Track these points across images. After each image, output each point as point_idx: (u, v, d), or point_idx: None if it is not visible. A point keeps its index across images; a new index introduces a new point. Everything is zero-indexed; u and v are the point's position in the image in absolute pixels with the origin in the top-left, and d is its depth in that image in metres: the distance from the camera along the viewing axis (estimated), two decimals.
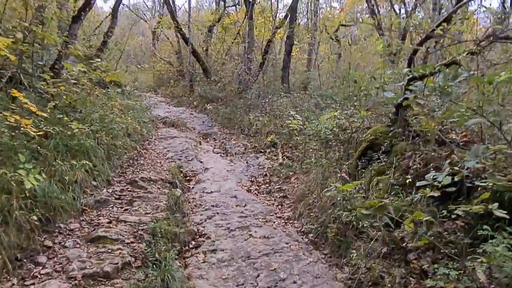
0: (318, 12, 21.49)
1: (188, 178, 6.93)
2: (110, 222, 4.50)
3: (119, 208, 4.98)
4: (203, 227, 4.94)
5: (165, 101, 18.32)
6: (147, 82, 23.21)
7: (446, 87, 3.35)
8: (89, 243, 3.99)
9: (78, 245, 3.92)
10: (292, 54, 16.80)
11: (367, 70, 15.43)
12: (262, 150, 8.47)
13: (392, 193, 4.33)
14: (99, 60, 7.27)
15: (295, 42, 16.82)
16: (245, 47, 16.49)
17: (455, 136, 5.10)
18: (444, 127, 5.20)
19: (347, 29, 28.44)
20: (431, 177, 3.23)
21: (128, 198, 5.28)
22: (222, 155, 8.66)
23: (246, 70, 14.99)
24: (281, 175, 6.69)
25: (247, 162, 7.95)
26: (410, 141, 5.07)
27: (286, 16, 17.01)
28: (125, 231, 4.31)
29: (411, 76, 4.86)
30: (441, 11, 12.77)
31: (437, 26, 5.39)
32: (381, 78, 7.47)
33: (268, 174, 7.09)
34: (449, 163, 3.61)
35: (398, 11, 16.66)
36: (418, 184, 3.28)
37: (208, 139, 10.77)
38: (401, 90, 5.32)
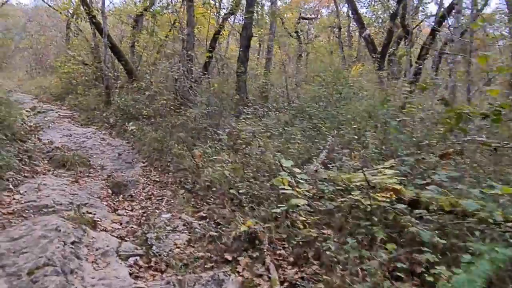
0: None
1: None
2: None
3: None
4: None
5: (71, 115, 12.82)
6: (51, 89, 17.24)
7: None
8: None
9: None
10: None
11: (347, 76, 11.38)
12: (228, 255, 3.82)
13: None
14: None
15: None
16: (184, 40, 11.66)
17: None
18: None
19: (303, 25, 24.50)
20: None
21: None
22: (141, 267, 3.85)
23: (186, 72, 10.16)
24: None
25: None
26: None
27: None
28: None
29: None
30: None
31: None
32: None
33: None
34: None
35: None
36: None
37: (120, 201, 5.86)
38: None
